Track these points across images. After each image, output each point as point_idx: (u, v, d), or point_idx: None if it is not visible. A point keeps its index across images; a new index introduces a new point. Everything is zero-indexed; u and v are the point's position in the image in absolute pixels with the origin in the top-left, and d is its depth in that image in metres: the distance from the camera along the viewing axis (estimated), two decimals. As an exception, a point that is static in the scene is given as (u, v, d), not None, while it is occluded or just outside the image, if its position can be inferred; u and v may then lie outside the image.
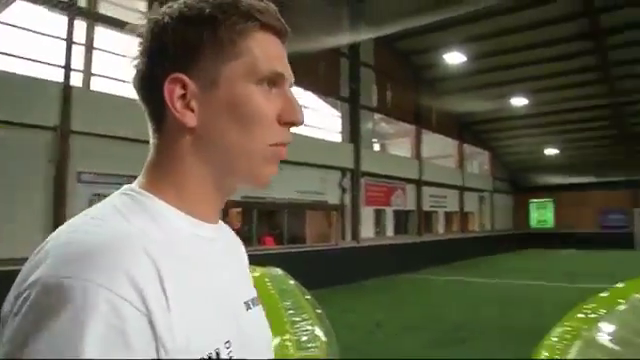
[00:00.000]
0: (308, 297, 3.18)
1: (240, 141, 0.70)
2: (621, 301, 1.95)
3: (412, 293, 12.55)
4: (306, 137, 13.13)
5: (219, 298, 0.69)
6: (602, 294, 2.10)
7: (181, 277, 0.62)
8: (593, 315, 1.93)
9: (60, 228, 0.64)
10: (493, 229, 26.65)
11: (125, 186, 0.72)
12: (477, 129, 25.04)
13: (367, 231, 16.46)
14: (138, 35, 0.70)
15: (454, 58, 17.67)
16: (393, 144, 24.39)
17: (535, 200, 29.99)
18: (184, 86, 0.68)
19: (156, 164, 0.72)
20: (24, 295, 0.56)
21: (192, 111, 0.69)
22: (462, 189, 23.58)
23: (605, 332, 1.81)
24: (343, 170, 15.25)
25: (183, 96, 0.68)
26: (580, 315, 1.97)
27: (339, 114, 16.19)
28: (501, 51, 17.98)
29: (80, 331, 0.52)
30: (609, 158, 25.53)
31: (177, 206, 0.70)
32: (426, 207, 20.33)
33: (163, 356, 0.57)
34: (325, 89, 15.14)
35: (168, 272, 0.60)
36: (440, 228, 21.95)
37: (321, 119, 15.53)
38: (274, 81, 0.72)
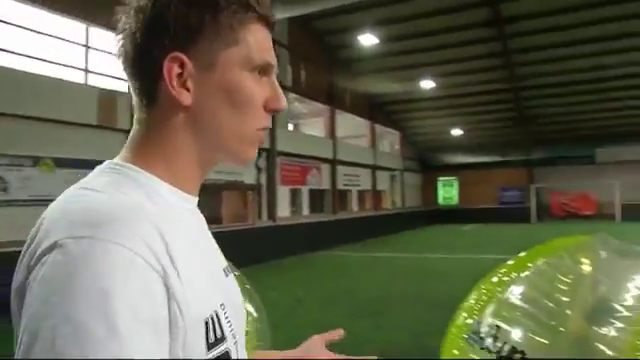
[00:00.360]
0: (237, 273, 3.19)
1: (231, 123, 0.74)
2: (529, 265, 2.13)
3: (329, 270, 12.87)
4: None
5: (208, 265, 0.74)
6: (510, 261, 2.30)
7: (179, 246, 0.64)
8: (505, 278, 2.09)
9: (56, 201, 0.65)
10: (404, 206, 27.78)
11: (106, 162, 0.73)
12: (388, 110, 25.83)
13: (283, 210, 16.58)
14: (136, 9, 0.70)
15: (367, 40, 17.99)
16: (307, 124, 24.56)
17: (442, 178, 31.58)
18: (182, 65, 0.70)
19: (145, 138, 0.74)
20: (41, 261, 0.57)
21: (188, 90, 0.71)
22: (374, 168, 24.32)
23: (516, 293, 1.98)
24: (259, 150, 15.14)
25: (179, 75, 0.70)
26: (494, 279, 2.13)
27: (254, 93, 15.99)
28: (411, 35, 18.59)
29: (107, 286, 0.53)
30: (509, 139, 27.40)
31: (166, 180, 0.72)
32: (340, 186, 20.79)
33: (177, 318, 0.60)
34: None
35: (171, 241, 0.62)
36: (354, 206, 22.56)
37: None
38: (265, 70, 0.76)
